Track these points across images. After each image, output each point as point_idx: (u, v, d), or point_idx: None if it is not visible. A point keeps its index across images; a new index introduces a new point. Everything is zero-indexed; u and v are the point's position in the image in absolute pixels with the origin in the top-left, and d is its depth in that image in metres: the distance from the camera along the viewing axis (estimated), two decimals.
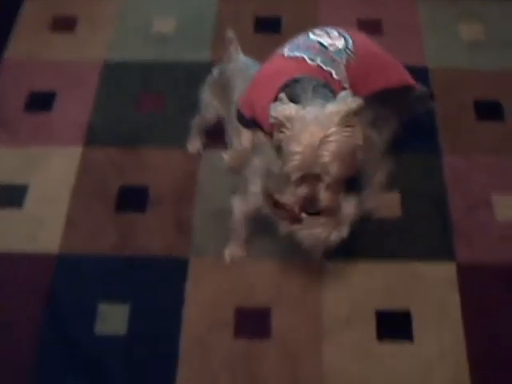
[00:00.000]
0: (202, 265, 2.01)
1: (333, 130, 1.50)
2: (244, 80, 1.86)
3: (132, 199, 2.16)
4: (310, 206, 1.57)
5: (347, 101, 1.53)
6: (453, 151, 2.24)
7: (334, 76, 1.69)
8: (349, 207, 1.62)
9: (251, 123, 1.77)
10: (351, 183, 1.61)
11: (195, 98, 2.12)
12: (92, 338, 1.88)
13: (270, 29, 2.61)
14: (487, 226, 2.08)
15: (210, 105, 2.06)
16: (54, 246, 2.05)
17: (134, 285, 1.98)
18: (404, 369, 1.82)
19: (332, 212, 1.59)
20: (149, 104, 2.40)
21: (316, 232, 1.61)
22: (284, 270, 1.98)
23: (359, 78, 1.74)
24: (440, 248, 2.04)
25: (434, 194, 2.15)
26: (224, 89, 1.96)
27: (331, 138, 1.49)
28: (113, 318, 1.91)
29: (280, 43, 2.51)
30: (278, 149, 1.59)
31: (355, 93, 1.65)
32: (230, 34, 2.01)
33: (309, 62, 1.69)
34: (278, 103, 1.57)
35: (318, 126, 1.50)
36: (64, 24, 2.65)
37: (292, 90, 1.62)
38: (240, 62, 1.98)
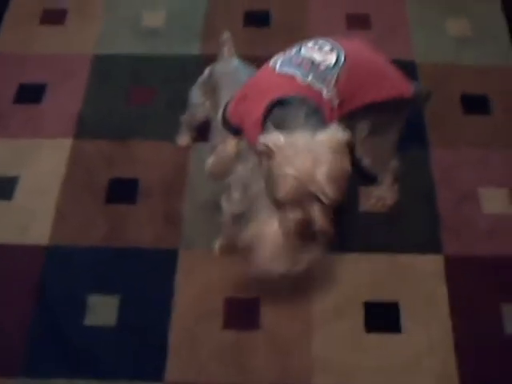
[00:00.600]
0: (192, 256, 2.01)
1: (325, 154, 1.49)
2: (233, 84, 1.84)
3: (122, 191, 2.16)
4: (305, 229, 1.54)
5: (337, 132, 1.52)
6: (440, 145, 2.26)
7: (324, 95, 1.66)
8: (314, 250, 1.63)
9: (237, 131, 1.75)
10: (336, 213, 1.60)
11: (185, 92, 2.12)
12: (82, 329, 1.88)
13: (259, 23, 2.62)
14: (474, 219, 2.10)
15: (199, 105, 2.06)
16: (43, 237, 2.05)
17: (124, 276, 1.98)
18: (392, 360, 1.83)
19: (327, 235, 1.57)
20: (139, 97, 2.40)
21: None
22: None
23: (349, 93, 1.71)
24: (428, 241, 2.05)
25: (422, 188, 2.16)
26: (213, 90, 1.95)
27: (324, 161, 1.48)
28: (102, 310, 1.91)
29: (269, 37, 2.55)
30: (268, 177, 1.55)
31: (346, 106, 1.68)
32: (226, 35, 2.01)
33: (300, 80, 1.66)
34: (266, 133, 1.55)
35: (311, 152, 1.48)
36: (54, 16, 2.64)
37: (282, 114, 1.59)
38: (230, 65, 1.97)
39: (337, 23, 2.59)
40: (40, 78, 2.45)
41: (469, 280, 1.97)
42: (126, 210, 2.11)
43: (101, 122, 2.33)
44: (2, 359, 1.85)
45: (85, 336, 1.87)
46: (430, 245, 2.04)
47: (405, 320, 1.90)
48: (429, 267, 1.99)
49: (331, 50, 1.72)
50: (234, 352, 1.85)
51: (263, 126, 1.61)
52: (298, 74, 1.66)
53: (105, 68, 2.48)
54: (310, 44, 1.74)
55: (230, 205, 1.80)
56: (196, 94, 2.07)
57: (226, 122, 1.76)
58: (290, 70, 1.67)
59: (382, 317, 1.92)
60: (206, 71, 2.03)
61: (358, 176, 1.77)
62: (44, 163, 2.22)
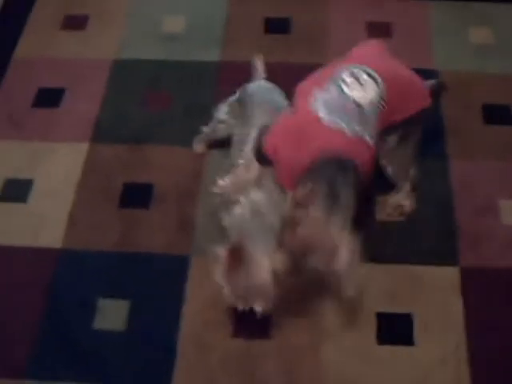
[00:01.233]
0: (204, 264, 1.99)
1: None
2: (263, 103, 1.91)
3: (136, 196, 2.16)
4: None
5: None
6: (460, 155, 2.22)
7: (368, 141, 1.71)
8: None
9: (267, 161, 1.76)
10: None
11: (203, 98, 2.13)
12: (91, 333, 1.88)
13: (280, 29, 2.61)
14: (493, 231, 2.06)
15: (223, 122, 2.08)
16: (56, 240, 2.05)
17: (135, 281, 1.98)
18: (404, 372, 1.80)
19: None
20: (157, 102, 2.40)
21: None
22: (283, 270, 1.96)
23: (382, 118, 1.76)
24: (444, 251, 2.02)
25: (440, 198, 2.13)
26: (241, 109, 1.98)
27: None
28: (112, 314, 1.91)
29: (290, 44, 2.53)
30: (288, 220, 1.63)
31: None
32: (259, 61, 2.05)
33: (348, 133, 1.68)
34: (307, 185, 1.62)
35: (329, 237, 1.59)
36: (75, 22, 2.67)
37: (322, 184, 1.63)
38: (261, 86, 2.01)
39: (357, 31, 2.57)
40: (59, 83, 2.47)
41: (484, 292, 1.94)
42: (140, 215, 2.11)
43: (118, 126, 2.34)
44: (11, 361, 1.85)
45: (94, 340, 1.87)
46: (446, 256, 2.01)
47: (418, 332, 1.86)
48: (444, 278, 1.96)
49: (369, 77, 1.74)
50: (242, 361, 1.83)
51: (304, 176, 1.65)
52: (344, 125, 1.68)
53: (123, 73, 2.49)
54: (347, 79, 1.74)
55: (230, 218, 1.80)
56: (223, 111, 2.09)
57: (258, 151, 1.78)
58: (337, 121, 1.69)
59: (394, 328, 1.89)
60: (238, 92, 2.05)
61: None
62: (60, 167, 2.23)
